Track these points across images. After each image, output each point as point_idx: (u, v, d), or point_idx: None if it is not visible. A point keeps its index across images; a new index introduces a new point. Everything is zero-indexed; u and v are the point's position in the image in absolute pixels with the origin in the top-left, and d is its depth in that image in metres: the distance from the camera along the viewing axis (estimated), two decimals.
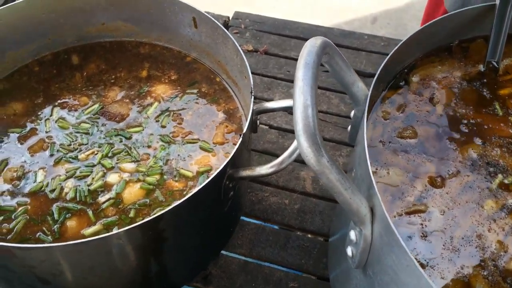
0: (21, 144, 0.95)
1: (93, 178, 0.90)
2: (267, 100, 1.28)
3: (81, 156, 0.93)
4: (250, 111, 0.81)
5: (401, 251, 0.54)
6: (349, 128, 0.84)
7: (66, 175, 0.90)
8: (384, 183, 0.70)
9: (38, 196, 0.88)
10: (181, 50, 1.11)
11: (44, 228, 0.84)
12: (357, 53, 1.40)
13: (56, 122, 0.98)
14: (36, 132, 0.97)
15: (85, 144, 0.95)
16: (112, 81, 1.06)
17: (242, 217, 1.04)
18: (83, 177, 0.90)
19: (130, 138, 0.96)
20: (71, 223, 0.84)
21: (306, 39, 1.43)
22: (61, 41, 1.10)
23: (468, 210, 0.67)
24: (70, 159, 0.93)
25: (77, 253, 0.68)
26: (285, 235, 1.04)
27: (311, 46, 0.62)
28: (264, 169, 0.78)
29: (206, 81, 1.07)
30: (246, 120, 0.98)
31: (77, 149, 0.94)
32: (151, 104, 1.02)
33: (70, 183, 0.89)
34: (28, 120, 0.99)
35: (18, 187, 0.89)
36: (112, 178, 0.90)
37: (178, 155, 0.94)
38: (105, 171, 0.91)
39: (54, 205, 0.86)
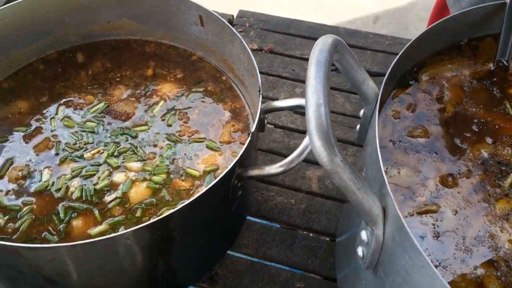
0: (26, 143, 0.94)
1: (99, 177, 0.89)
2: (272, 99, 1.27)
3: (87, 155, 0.92)
4: (259, 110, 0.80)
5: (415, 252, 0.54)
6: (357, 127, 0.83)
7: (71, 174, 0.89)
8: (394, 183, 0.69)
9: (44, 195, 0.87)
10: (186, 48, 1.11)
11: (49, 228, 0.83)
12: (362, 52, 1.39)
13: (61, 120, 0.98)
14: (41, 130, 0.96)
15: (91, 143, 0.94)
16: (117, 79, 1.05)
17: (248, 217, 1.04)
18: (89, 176, 0.89)
19: (136, 137, 0.96)
20: (77, 223, 0.84)
21: (311, 38, 1.44)
22: (66, 40, 1.09)
23: (480, 210, 0.67)
24: (76, 158, 0.92)
25: (85, 253, 0.68)
26: (291, 235, 1.03)
27: (322, 44, 0.61)
28: (273, 169, 0.77)
29: (212, 79, 1.06)
30: (253, 119, 0.98)
31: (82, 148, 0.94)
32: (157, 103, 1.01)
33: (76, 182, 0.89)
34: (33, 119, 0.98)
35: (24, 186, 0.88)
36: (118, 177, 0.90)
37: (185, 154, 0.94)
38: (111, 170, 0.90)
39: (60, 205, 0.86)
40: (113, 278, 0.78)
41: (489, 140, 0.74)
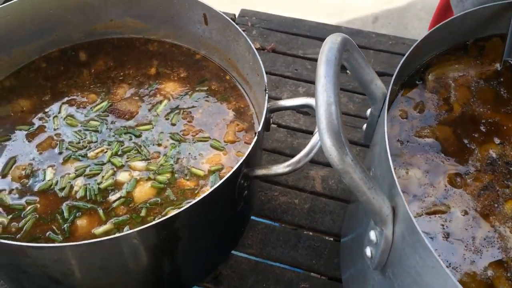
0: (29, 141, 0.94)
1: (103, 177, 0.89)
2: (275, 99, 1.27)
3: (91, 154, 0.92)
4: (265, 109, 0.80)
5: (426, 252, 0.53)
6: (364, 127, 0.83)
7: (75, 173, 0.89)
8: (403, 183, 0.69)
9: (47, 194, 0.86)
10: (190, 47, 1.10)
11: (54, 227, 0.82)
12: (365, 52, 1.39)
13: (64, 119, 0.97)
14: (44, 129, 0.95)
15: (94, 142, 0.94)
16: (120, 78, 1.05)
17: (252, 217, 1.03)
18: (93, 176, 0.89)
19: (139, 136, 0.95)
20: (81, 222, 0.83)
21: (313, 38, 1.44)
22: (68, 38, 1.08)
23: (489, 210, 0.66)
24: (79, 157, 0.91)
25: (91, 252, 0.67)
26: (295, 235, 1.03)
27: (331, 43, 0.61)
28: (280, 168, 0.76)
29: (216, 78, 1.06)
30: (257, 118, 0.97)
31: (86, 147, 0.93)
32: (160, 102, 1.01)
33: (80, 181, 0.88)
34: (36, 118, 0.97)
35: (27, 185, 0.87)
36: (123, 176, 0.89)
37: (189, 153, 0.93)
38: (115, 169, 0.90)
39: (64, 204, 0.85)
40: (118, 277, 0.77)
41: (497, 141, 0.73)
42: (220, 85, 1.05)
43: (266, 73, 1.34)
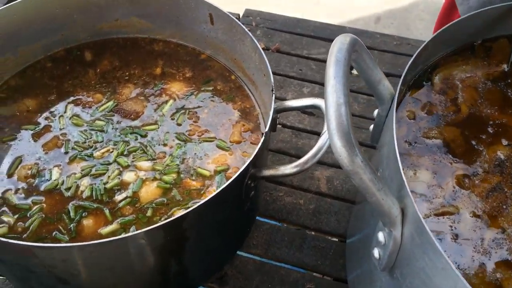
0: (35, 141, 0.94)
1: (109, 177, 0.89)
2: (280, 99, 1.27)
3: (96, 154, 0.92)
4: (272, 109, 0.80)
5: (436, 254, 0.53)
6: (371, 127, 0.82)
7: (81, 173, 0.89)
8: (411, 184, 0.69)
9: (53, 194, 0.86)
10: (195, 47, 1.10)
11: (60, 227, 0.82)
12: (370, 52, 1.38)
13: (70, 119, 0.97)
14: (50, 129, 0.95)
15: (100, 142, 0.94)
16: (126, 78, 1.05)
17: (257, 217, 1.03)
18: (99, 175, 0.89)
19: (145, 136, 0.95)
20: (87, 222, 0.83)
21: (317, 38, 1.44)
22: (73, 37, 1.08)
23: (497, 211, 0.66)
24: (85, 157, 0.91)
25: (99, 252, 0.67)
26: (300, 236, 1.03)
27: (341, 43, 0.60)
28: (288, 169, 0.76)
29: (221, 78, 1.06)
30: (263, 118, 0.97)
31: (92, 146, 0.93)
32: (166, 102, 1.01)
33: (86, 181, 0.88)
34: (42, 117, 0.97)
35: (33, 185, 0.87)
36: (128, 176, 0.89)
37: (195, 153, 0.93)
38: (121, 169, 0.90)
39: (70, 204, 0.85)
40: (125, 277, 0.77)
41: (504, 142, 0.73)
42: (226, 85, 1.04)
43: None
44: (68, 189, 0.87)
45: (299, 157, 1.14)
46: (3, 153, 0.92)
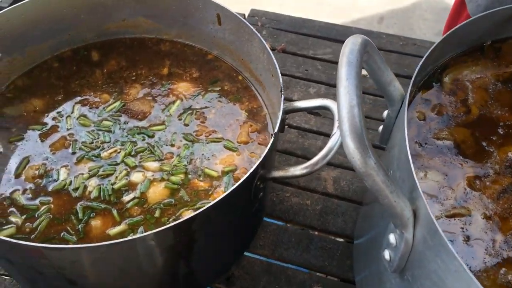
0: (42, 141, 0.93)
1: (116, 177, 0.88)
2: (286, 99, 1.26)
3: (104, 154, 0.91)
4: (281, 110, 0.79)
5: (448, 256, 0.53)
6: (380, 128, 0.82)
7: (89, 174, 0.89)
8: (422, 186, 0.68)
9: (61, 194, 0.86)
10: (202, 47, 1.10)
11: (68, 228, 0.82)
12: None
13: (77, 119, 0.97)
14: (57, 129, 0.95)
15: (107, 142, 0.94)
16: (133, 78, 1.05)
17: (263, 218, 1.03)
18: (106, 176, 0.89)
19: (153, 136, 0.95)
20: (95, 223, 0.83)
21: (323, 38, 1.43)
22: (80, 37, 1.08)
23: (508, 213, 0.66)
24: (93, 157, 0.91)
25: (109, 253, 0.67)
26: (307, 236, 1.02)
27: (352, 44, 0.60)
28: (298, 170, 0.76)
29: (228, 79, 1.05)
30: (271, 119, 0.97)
31: (99, 147, 0.93)
32: (173, 102, 1.00)
33: (94, 181, 0.88)
34: (49, 117, 0.97)
35: (41, 185, 0.87)
36: (136, 177, 0.89)
37: (202, 154, 0.93)
38: (128, 170, 0.90)
39: (78, 204, 0.85)
40: (133, 278, 0.77)
41: None
42: (233, 85, 1.04)
43: None
44: (76, 189, 0.86)
45: (305, 158, 1.15)
46: (11, 153, 0.92)
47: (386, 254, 0.65)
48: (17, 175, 0.88)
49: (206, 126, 0.97)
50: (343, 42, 0.61)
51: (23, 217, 0.83)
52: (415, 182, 0.58)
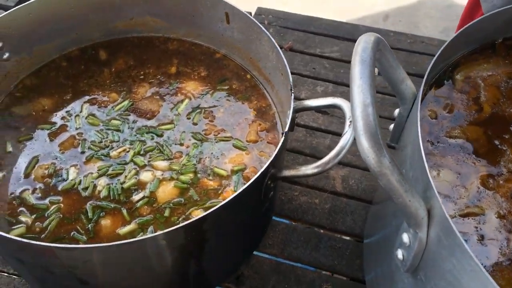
0: (51, 141, 0.93)
1: (126, 176, 0.88)
2: (294, 98, 1.26)
3: (113, 153, 0.91)
4: (291, 109, 0.79)
5: (464, 256, 0.52)
6: (390, 127, 0.82)
7: (98, 173, 0.88)
8: (435, 185, 0.68)
9: (71, 194, 0.86)
10: (210, 46, 1.09)
11: (78, 227, 0.82)
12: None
13: (86, 118, 0.97)
14: (66, 128, 0.95)
15: (116, 141, 0.93)
16: (141, 77, 1.04)
17: (272, 217, 1.02)
18: (116, 175, 0.88)
19: (161, 135, 0.95)
20: (105, 222, 0.83)
21: (331, 36, 1.43)
22: (88, 36, 1.08)
23: None
24: (102, 157, 0.91)
25: (120, 253, 0.67)
26: (316, 235, 1.02)
27: (365, 43, 0.60)
28: (309, 169, 0.76)
29: (236, 78, 1.05)
30: (280, 117, 0.96)
31: (108, 146, 0.93)
32: (181, 101, 1.00)
33: (103, 181, 0.88)
34: (58, 116, 0.97)
35: (50, 185, 0.87)
36: (145, 176, 0.88)
37: (211, 153, 0.92)
38: (137, 169, 0.89)
39: (88, 204, 0.85)
40: (144, 278, 0.77)
41: None
42: (241, 84, 1.04)
43: None
44: (85, 189, 0.86)
45: (314, 156, 1.14)
46: (20, 152, 0.92)
47: (399, 253, 0.64)
48: (27, 175, 0.88)
49: (215, 125, 0.97)
50: (350, 40, 0.61)
51: (33, 216, 0.83)
52: (429, 181, 0.57)
